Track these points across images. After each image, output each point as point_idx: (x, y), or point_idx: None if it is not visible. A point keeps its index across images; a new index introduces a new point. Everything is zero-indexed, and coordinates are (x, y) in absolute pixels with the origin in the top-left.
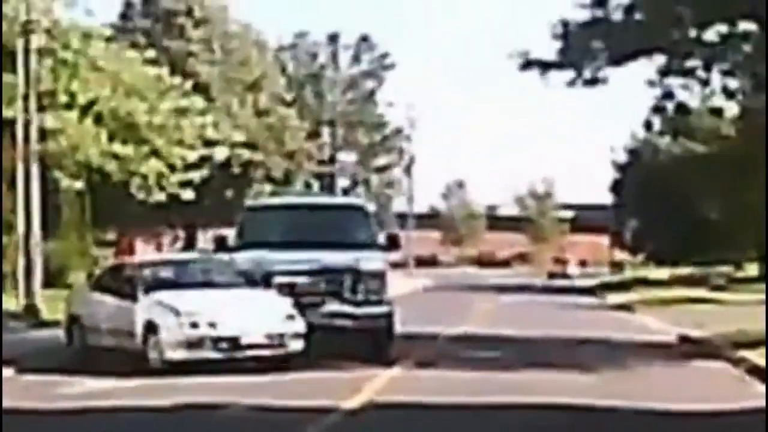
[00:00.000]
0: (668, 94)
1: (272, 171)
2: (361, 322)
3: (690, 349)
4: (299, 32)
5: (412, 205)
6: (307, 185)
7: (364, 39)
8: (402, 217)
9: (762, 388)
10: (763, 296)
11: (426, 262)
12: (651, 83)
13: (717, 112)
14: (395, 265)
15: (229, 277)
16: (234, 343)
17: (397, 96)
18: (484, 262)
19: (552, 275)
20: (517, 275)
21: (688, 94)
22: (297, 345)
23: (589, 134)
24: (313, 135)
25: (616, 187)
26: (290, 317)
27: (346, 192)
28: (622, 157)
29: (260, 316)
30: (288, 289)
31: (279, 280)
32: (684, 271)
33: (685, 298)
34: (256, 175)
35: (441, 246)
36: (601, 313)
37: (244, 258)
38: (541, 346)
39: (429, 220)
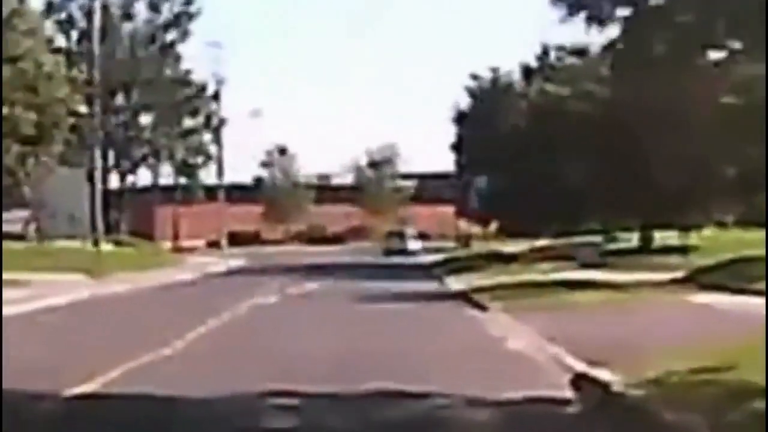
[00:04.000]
0: None
1: (20, 127)
2: None
3: None
4: None
5: (222, 175)
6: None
7: None
8: (211, 190)
9: None
10: (654, 275)
11: (246, 239)
12: None
13: (581, 53)
14: (210, 244)
15: None
16: None
17: (207, 52)
18: (313, 238)
19: (388, 252)
20: (347, 252)
21: None
22: None
23: (437, 98)
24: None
25: (459, 146)
26: None
27: (144, 159)
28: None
29: None
30: None
31: None
32: (542, 243)
33: (552, 281)
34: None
35: (265, 222)
36: (438, 316)
37: None
38: None
39: (251, 192)
